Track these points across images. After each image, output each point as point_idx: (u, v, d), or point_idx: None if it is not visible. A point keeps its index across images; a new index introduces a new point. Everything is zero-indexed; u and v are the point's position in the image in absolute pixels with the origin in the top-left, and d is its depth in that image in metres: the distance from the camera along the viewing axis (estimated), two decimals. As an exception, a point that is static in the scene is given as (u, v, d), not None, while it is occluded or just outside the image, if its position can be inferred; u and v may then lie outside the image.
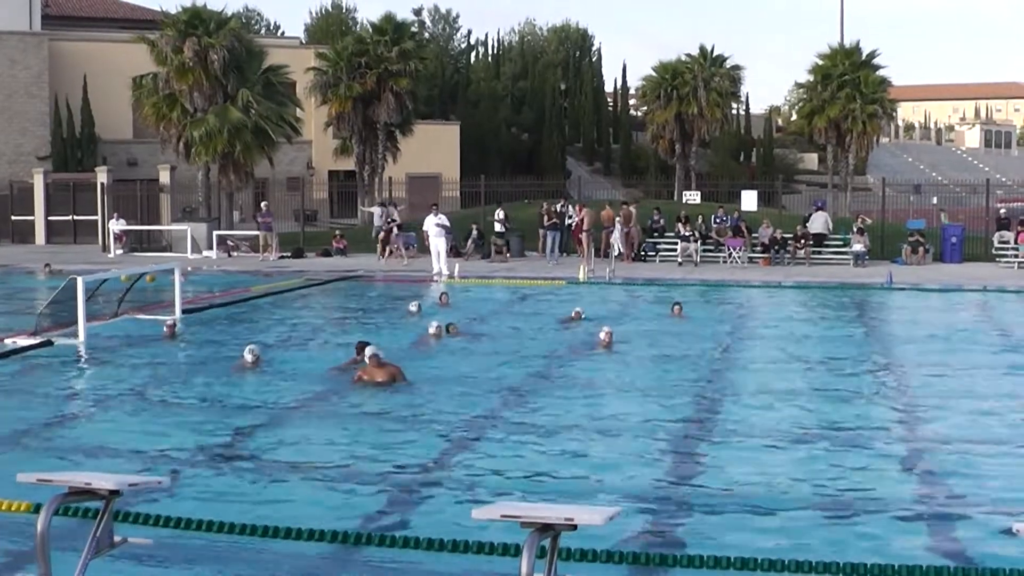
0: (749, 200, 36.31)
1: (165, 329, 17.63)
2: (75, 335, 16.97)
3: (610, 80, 79.52)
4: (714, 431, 11.49)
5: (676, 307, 20.14)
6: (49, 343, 16.69)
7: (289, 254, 33.47)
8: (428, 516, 8.51)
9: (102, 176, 39.07)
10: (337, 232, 36.29)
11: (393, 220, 32.24)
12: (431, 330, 17.23)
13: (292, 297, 24.21)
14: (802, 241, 31.62)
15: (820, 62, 46.06)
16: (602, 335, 16.56)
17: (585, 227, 31.12)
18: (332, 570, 7.58)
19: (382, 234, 31.99)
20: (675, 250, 32.01)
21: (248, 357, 14.74)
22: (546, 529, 5.30)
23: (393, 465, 10.05)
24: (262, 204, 35.43)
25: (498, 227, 33.00)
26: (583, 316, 19.47)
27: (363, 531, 8.02)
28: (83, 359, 16.01)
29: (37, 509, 6.62)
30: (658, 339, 17.58)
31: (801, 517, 8.54)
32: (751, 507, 8.74)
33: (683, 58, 48.97)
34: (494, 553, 7.22)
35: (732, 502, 8.89)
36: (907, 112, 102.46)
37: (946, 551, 7.75)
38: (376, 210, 35.49)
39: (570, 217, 33.03)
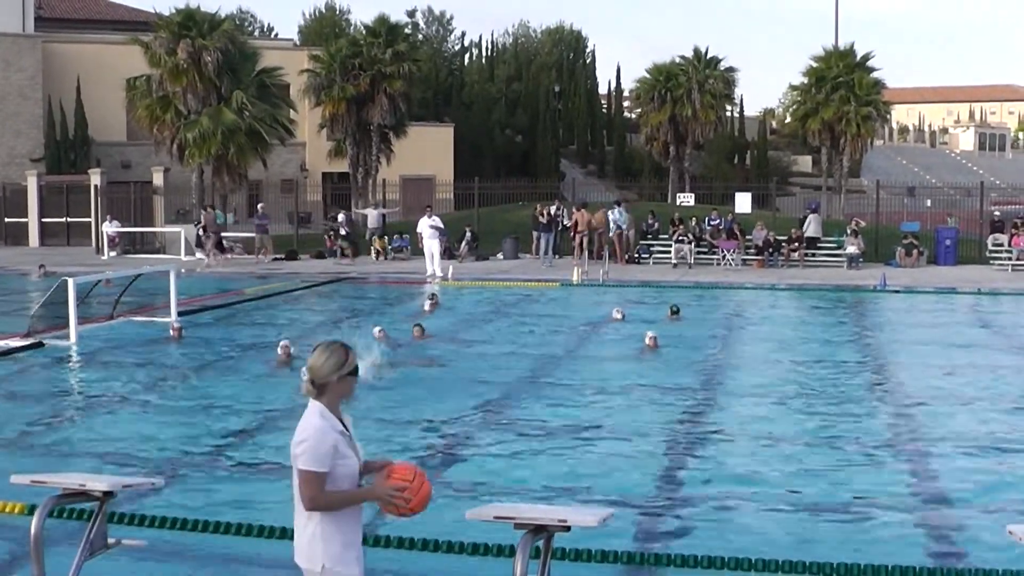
0: (743, 202, 36.36)
1: (172, 332, 17.65)
2: (67, 337, 16.96)
3: (604, 82, 79.66)
4: (708, 432, 11.49)
5: (671, 311, 20.12)
6: (40, 344, 16.67)
7: (283, 256, 33.47)
8: (422, 516, 8.49)
9: (95, 178, 39.05)
10: (331, 234, 36.24)
11: (199, 223, 32.96)
12: (375, 333, 16.86)
13: (287, 299, 24.21)
14: (796, 244, 31.67)
15: (814, 64, 46.09)
16: (647, 340, 16.53)
17: (579, 229, 31.17)
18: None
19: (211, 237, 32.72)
20: (669, 252, 32.06)
21: (280, 353, 15.08)
22: (540, 530, 5.31)
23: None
24: (259, 206, 35.42)
25: (342, 231, 33.16)
26: (624, 317, 19.46)
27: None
28: (75, 360, 15.99)
29: (32, 510, 6.61)
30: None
31: (796, 518, 8.56)
32: (746, 508, 8.75)
33: (677, 60, 49.01)
34: (488, 554, 7.22)
35: (727, 503, 8.90)
36: (901, 115, 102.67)
37: (941, 552, 7.77)
38: (371, 212, 35.52)
39: (560, 217, 33.11)
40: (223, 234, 36.14)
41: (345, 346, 4.71)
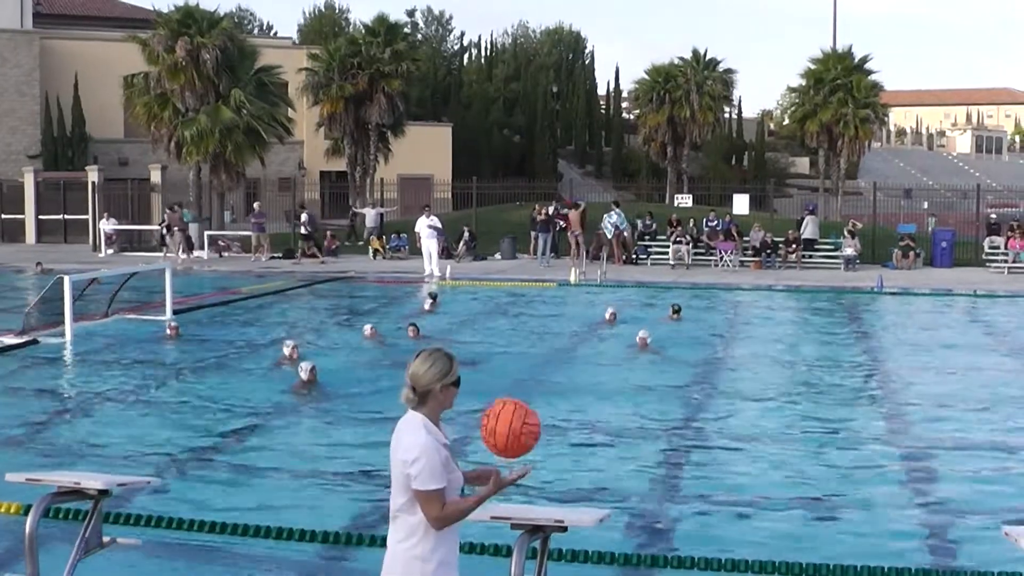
0: (740, 204, 36.37)
1: (168, 330, 17.62)
2: (61, 334, 16.92)
3: (603, 83, 79.57)
4: (705, 433, 11.49)
5: (672, 310, 20.07)
6: (34, 342, 16.63)
7: (280, 255, 33.45)
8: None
9: (93, 175, 38.97)
10: (329, 233, 36.30)
11: (163, 222, 33.98)
12: (366, 332, 17.24)
13: (283, 298, 24.19)
14: (793, 245, 31.68)
15: (812, 66, 46.15)
16: (638, 339, 16.46)
17: (572, 228, 31.15)
18: (322, 571, 7.56)
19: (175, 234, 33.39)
20: (667, 253, 32.05)
21: (287, 352, 15.06)
22: (536, 531, 5.30)
23: (384, 466, 10.01)
24: (255, 204, 35.41)
25: (302, 230, 33.14)
26: (616, 319, 19.42)
27: (353, 532, 8.00)
28: (69, 358, 15.95)
29: (27, 509, 6.59)
30: (651, 341, 17.56)
31: (792, 519, 8.55)
32: (742, 509, 8.75)
33: (676, 61, 49.00)
34: (484, 554, 7.21)
35: (723, 504, 8.90)
36: (899, 117, 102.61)
37: (935, 554, 7.77)
38: (369, 211, 35.52)
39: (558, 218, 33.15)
40: (222, 232, 36.22)
41: (448, 354, 4.51)
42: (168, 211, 33.87)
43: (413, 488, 4.37)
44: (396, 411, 12.81)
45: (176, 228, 33.19)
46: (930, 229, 33.78)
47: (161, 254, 32.75)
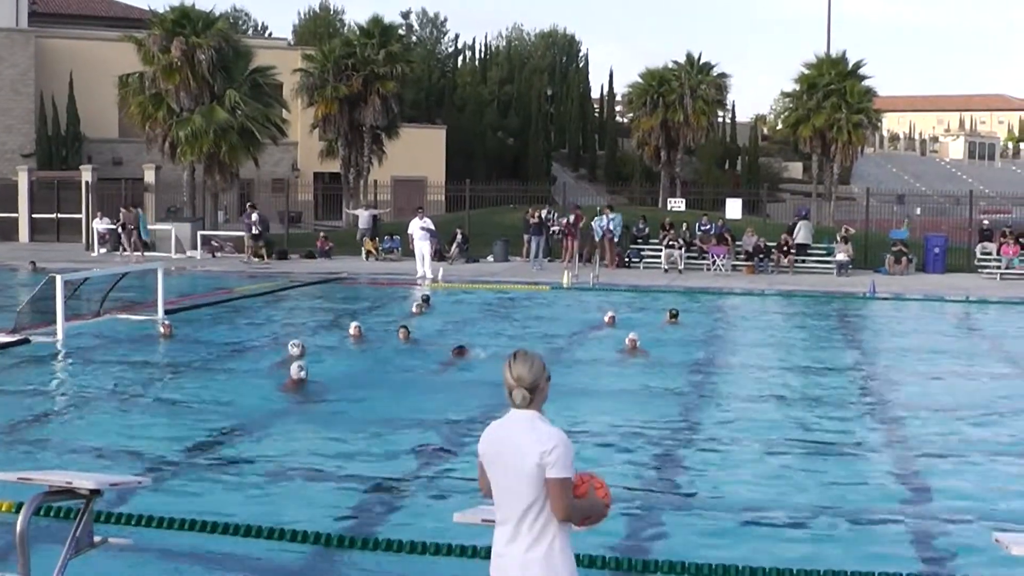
0: (733, 208, 36.45)
1: (162, 328, 17.62)
2: (53, 333, 16.90)
3: (596, 86, 79.80)
4: (696, 438, 11.50)
5: (670, 315, 20.08)
6: (26, 341, 16.60)
7: (274, 255, 33.42)
8: (410, 519, 8.50)
9: (87, 175, 38.95)
10: (322, 234, 36.32)
11: (118, 220, 34.59)
12: (351, 331, 17.35)
13: (276, 298, 24.17)
14: (786, 249, 31.74)
15: (806, 71, 46.26)
16: (627, 342, 16.47)
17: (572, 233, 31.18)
18: (314, 572, 7.56)
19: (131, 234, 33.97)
20: (659, 257, 32.09)
21: (294, 350, 15.00)
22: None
23: (376, 467, 10.03)
24: (248, 205, 35.37)
25: (253, 229, 33.23)
26: (615, 321, 19.42)
27: (345, 533, 8.01)
28: (61, 357, 15.93)
29: (18, 508, 6.59)
30: (645, 345, 17.59)
31: (783, 524, 8.57)
32: (733, 514, 8.76)
33: (670, 65, 49.06)
34: (476, 556, 7.22)
35: (714, 508, 8.91)
36: (892, 123, 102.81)
37: (926, 560, 7.79)
38: (362, 212, 35.52)
39: (551, 221, 33.13)
40: (215, 233, 36.17)
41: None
42: (124, 210, 34.34)
43: (549, 477, 4.33)
44: (387, 410, 12.85)
45: (131, 227, 33.59)
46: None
47: (118, 252, 33.19)
